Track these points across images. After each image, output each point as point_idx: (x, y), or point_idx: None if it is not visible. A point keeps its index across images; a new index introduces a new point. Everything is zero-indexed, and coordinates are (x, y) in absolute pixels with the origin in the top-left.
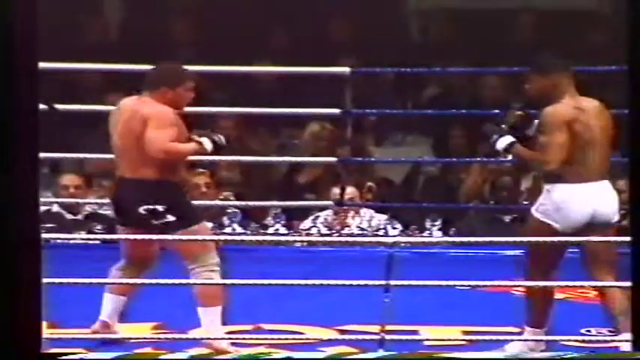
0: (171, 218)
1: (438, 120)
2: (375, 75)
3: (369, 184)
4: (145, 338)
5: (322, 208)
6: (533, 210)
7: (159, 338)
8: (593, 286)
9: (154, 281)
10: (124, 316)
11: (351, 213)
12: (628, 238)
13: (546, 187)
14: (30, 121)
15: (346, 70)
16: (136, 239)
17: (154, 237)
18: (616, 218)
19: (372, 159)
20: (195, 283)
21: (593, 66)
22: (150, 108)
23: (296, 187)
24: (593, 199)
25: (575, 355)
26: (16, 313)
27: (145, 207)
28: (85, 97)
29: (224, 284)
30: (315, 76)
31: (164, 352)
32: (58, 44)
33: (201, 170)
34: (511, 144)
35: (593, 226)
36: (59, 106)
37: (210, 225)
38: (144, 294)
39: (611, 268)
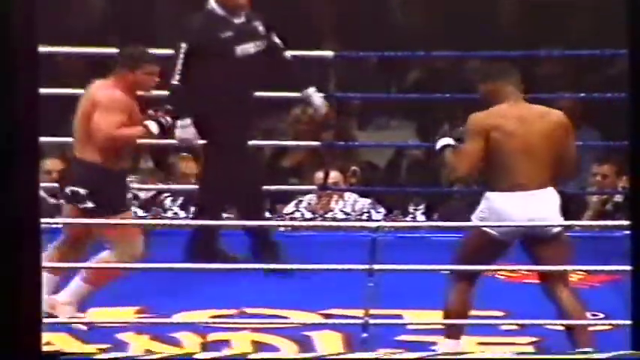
0: (89, 204)
1: (422, 104)
2: (358, 59)
3: (353, 168)
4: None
5: (306, 193)
6: (472, 217)
7: (141, 322)
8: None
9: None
10: (106, 300)
11: (335, 197)
12: (627, 222)
13: (485, 194)
14: (30, 107)
15: (329, 53)
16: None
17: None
18: (557, 229)
19: (356, 143)
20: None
21: (576, 50)
22: (101, 92)
23: (280, 172)
24: (528, 208)
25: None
26: (16, 307)
27: (70, 188)
28: (69, 80)
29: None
30: (297, 60)
31: (147, 335)
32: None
33: (184, 155)
34: (445, 146)
35: (532, 235)
36: (43, 90)
37: (131, 215)
38: (128, 278)
39: (565, 281)
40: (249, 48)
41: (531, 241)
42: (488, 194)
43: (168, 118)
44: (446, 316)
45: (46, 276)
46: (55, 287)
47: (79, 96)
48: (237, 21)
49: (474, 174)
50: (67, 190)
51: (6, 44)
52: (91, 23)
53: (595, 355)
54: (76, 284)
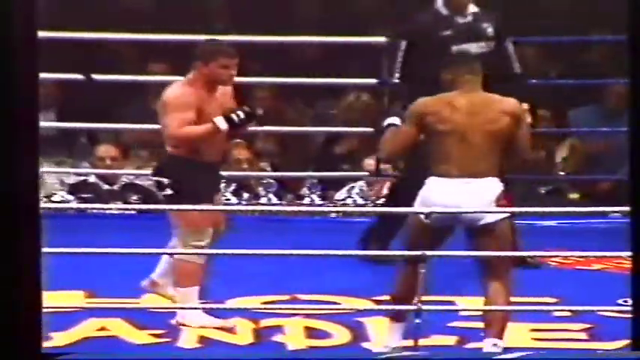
0: (168, 192)
1: None
2: None
3: None
4: (176, 308)
5: (358, 179)
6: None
7: (194, 307)
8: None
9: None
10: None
11: (387, 184)
12: (627, 208)
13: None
14: (29, 93)
15: (382, 39)
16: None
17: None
18: (489, 219)
19: None
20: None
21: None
22: (169, 92)
23: (332, 158)
24: (455, 196)
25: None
26: (16, 307)
27: (156, 178)
28: (124, 67)
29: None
30: (351, 47)
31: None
32: (95, 14)
33: (237, 141)
34: (389, 124)
35: (462, 224)
36: (96, 77)
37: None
38: (75, 263)
39: (502, 275)
40: (469, 48)
41: (466, 230)
42: (428, 179)
43: (241, 114)
44: (391, 300)
45: (168, 259)
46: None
47: (139, 83)
48: (461, 20)
49: (399, 156)
50: (153, 179)
51: (5, 30)
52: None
53: (595, 355)
54: (178, 295)
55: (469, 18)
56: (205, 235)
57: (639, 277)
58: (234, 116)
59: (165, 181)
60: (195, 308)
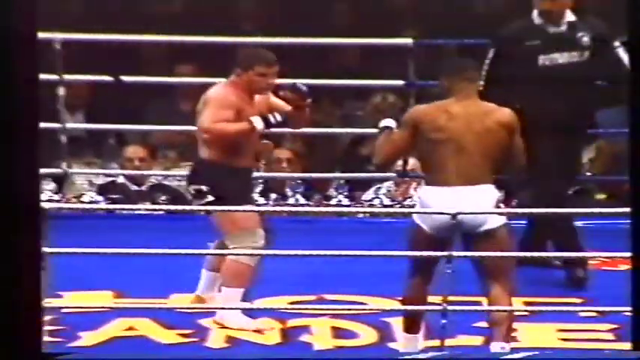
0: (210, 198)
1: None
2: (437, 46)
3: None
4: (205, 308)
5: (385, 180)
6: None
7: (222, 308)
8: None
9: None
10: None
11: (414, 184)
12: (628, 209)
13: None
14: (29, 92)
15: (409, 41)
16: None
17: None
18: (489, 226)
19: None
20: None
21: None
22: (212, 91)
23: (359, 159)
24: (452, 204)
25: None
26: (16, 307)
27: (194, 187)
28: (151, 68)
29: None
30: (378, 48)
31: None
32: (123, 16)
33: (265, 142)
34: (384, 127)
35: (463, 231)
36: (125, 78)
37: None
38: (104, 263)
39: (499, 279)
40: (557, 58)
41: (465, 238)
42: (422, 187)
43: (278, 116)
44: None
45: (205, 273)
46: (215, 282)
47: (166, 84)
48: (552, 30)
49: (393, 162)
50: (191, 188)
51: (6, 30)
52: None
53: (595, 355)
54: (224, 293)
55: (563, 28)
56: (259, 237)
57: (639, 279)
58: (270, 117)
59: (204, 188)
60: (223, 308)
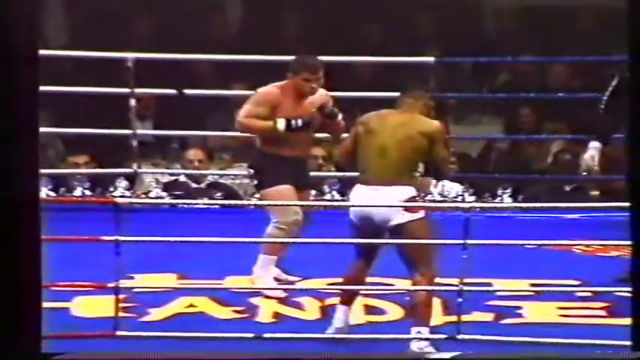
0: (254, 181)
1: (509, 102)
2: (455, 64)
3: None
4: (255, 289)
5: None
6: None
7: (270, 288)
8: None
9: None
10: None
11: (432, 181)
12: (627, 204)
13: None
14: (30, 99)
15: (431, 59)
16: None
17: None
18: (397, 221)
19: (452, 136)
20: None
21: None
22: (259, 89)
23: None
24: (367, 201)
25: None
26: (16, 307)
27: (248, 169)
28: (209, 83)
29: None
30: (403, 65)
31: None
32: (185, 38)
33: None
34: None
35: (378, 225)
36: (187, 91)
37: (285, 189)
38: (168, 249)
39: (421, 268)
40: None
41: (382, 230)
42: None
43: (299, 122)
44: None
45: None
46: (272, 264)
47: (222, 96)
48: None
49: (345, 161)
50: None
51: (7, 42)
52: (227, 33)
53: (595, 355)
54: (261, 259)
55: None
56: (293, 213)
57: (639, 280)
58: (292, 122)
59: (252, 171)
60: (269, 289)
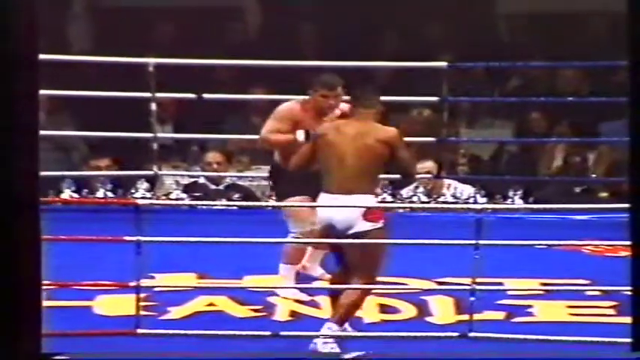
0: (273, 192)
1: (520, 106)
2: (468, 68)
3: (462, 160)
4: (272, 287)
5: (420, 180)
6: None
7: (286, 287)
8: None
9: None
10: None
11: (447, 184)
12: (627, 205)
13: None
14: (29, 96)
15: (444, 64)
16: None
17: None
18: (358, 229)
19: (465, 139)
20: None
21: None
22: (281, 104)
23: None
24: (329, 209)
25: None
26: (16, 307)
27: (268, 180)
28: (228, 88)
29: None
30: (418, 70)
31: (292, 299)
32: (205, 45)
33: None
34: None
35: (340, 232)
36: (206, 96)
37: (301, 199)
38: (188, 249)
39: (362, 277)
40: None
41: (344, 237)
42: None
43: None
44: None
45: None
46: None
47: (240, 101)
48: None
49: (302, 169)
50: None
51: (7, 49)
52: (247, 40)
53: (595, 355)
54: (281, 269)
55: None
56: (305, 225)
57: (638, 281)
58: (312, 132)
59: (271, 183)
60: (287, 287)
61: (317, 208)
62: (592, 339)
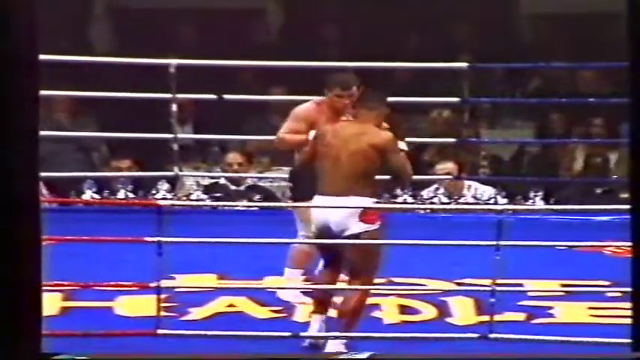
0: (291, 194)
1: (541, 107)
2: (488, 69)
3: (483, 159)
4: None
5: (441, 180)
6: None
7: (305, 288)
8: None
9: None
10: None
11: (467, 184)
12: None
13: None
14: (29, 96)
15: (464, 65)
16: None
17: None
18: (353, 230)
19: (485, 140)
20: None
21: None
22: (299, 105)
23: (420, 163)
24: (324, 211)
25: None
26: (16, 306)
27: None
28: (248, 88)
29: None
30: (438, 71)
31: (311, 300)
32: (226, 46)
33: None
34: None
35: (335, 233)
36: (227, 96)
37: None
38: (209, 250)
39: (360, 279)
40: None
41: (339, 238)
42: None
43: None
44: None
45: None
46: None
47: (261, 102)
48: None
49: (306, 168)
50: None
51: (7, 50)
52: (268, 40)
53: (595, 356)
54: (286, 272)
55: None
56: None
57: (638, 281)
58: (317, 133)
59: (290, 184)
60: (305, 289)
61: (313, 210)
62: (613, 340)
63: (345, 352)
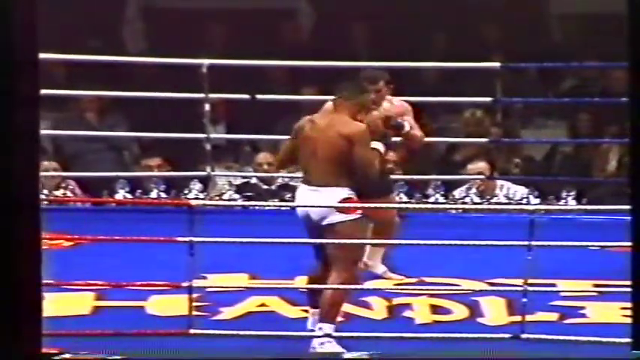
0: None
1: (573, 107)
2: (521, 69)
3: (516, 160)
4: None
5: (473, 180)
6: None
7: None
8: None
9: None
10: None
11: (499, 184)
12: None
13: None
14: (30, 97)
15: (497, 65)
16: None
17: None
18: (330, 221)
19: (518, 139)
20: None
21: None
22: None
23: (452, 163)
24: (306, 200)
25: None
26: (16, 306)
27: None
28: (280, 88)
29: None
30: (471, 70)
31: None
32: (257, 46)
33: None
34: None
35: (315, 223)
36: (259, 96)
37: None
38: (240, 250)
39: (339, 269)
40: None
41: (316, 228)
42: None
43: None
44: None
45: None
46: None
47: (291, 102)
48: None
49: (285, 165)
50: None
51: (7, 49)
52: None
53: (595, 356)
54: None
55: None
56: None
57: (638, 281)
58: None
59: None
60: (337, 288)
61: (295, 199)
62: None
63: (345, 352)
